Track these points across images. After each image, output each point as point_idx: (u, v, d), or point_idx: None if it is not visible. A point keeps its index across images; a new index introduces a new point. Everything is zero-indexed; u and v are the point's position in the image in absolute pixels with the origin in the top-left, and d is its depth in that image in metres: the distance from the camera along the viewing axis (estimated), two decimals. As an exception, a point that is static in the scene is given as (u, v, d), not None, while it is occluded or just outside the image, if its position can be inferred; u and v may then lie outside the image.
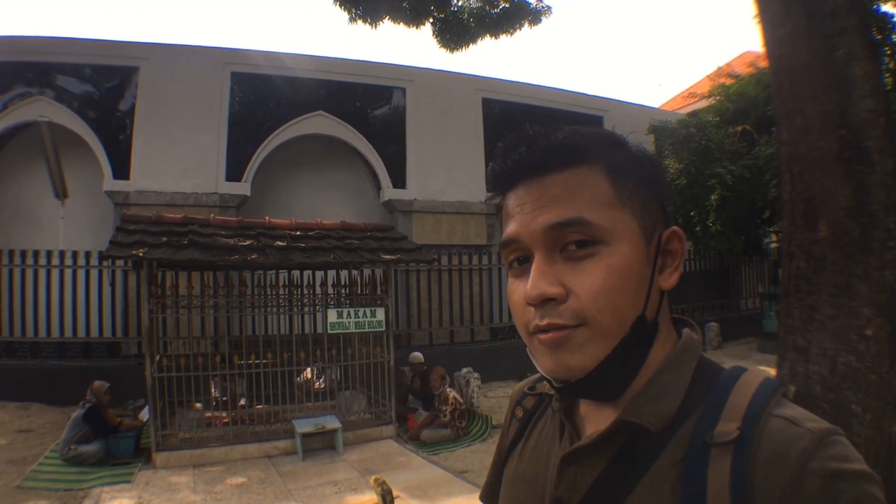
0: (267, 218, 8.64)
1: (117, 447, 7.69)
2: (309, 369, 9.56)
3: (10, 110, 11.99)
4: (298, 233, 8.60)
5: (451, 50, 13.66)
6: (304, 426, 7.92)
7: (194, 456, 7.53)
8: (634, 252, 0.83)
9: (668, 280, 0.87)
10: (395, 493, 6.01)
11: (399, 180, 13.75)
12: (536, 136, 0.87)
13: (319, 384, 9.69)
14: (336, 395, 9.12)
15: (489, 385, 11.17)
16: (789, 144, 5.80)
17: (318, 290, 9.00)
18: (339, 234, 8.77)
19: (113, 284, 10.96)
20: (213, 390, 8.97)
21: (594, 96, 16.79)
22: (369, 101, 13.90)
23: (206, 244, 7.64)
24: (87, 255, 10.76)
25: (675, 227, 0.89)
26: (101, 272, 10.89)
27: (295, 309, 8.91)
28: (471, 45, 13.75)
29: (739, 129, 13.53)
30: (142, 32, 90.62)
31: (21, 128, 12.25)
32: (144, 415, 8.29)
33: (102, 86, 12.39)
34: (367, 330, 8.62)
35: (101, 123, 12.24)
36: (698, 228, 13.73)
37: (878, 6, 10.09)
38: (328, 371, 9.55)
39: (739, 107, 13.84)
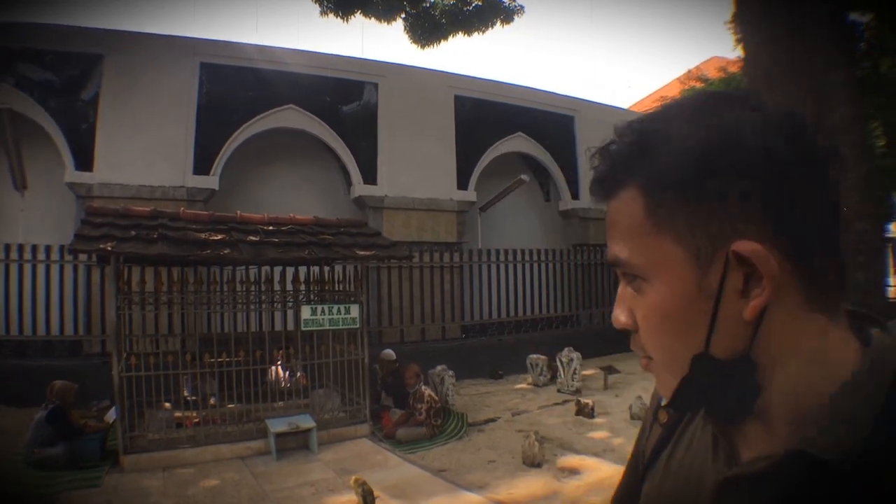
0: (238, 212, 8.41)
1: (83, 450, 7.38)
2: (276, 367, 9.36)
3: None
4: (271, 227, 8.38)
5: (423, 46, 13.58)
6: (277, 426, 7.72)
7: (164, 458, 7.27)
8: (676, 286, 0.71)
9: (750, 309, 0.68)
10: (375, 493, 5.91)
11: (370, 176, 13.56)
12: (603, 154, 0.81)
13: (286, 382, 9.50)
14: (309, 393, 8.94)
15: (461, 383, 11.04)
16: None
17: (291, 287, 8.78)
18: (312, 230, 8.58)
19: (75, 280, 10.57)
20: (183, 390, 8.71)
21: (566, 96, 16.84)
22: (341, 96, 13.66)
23: (177, 238, 7.38)
24: (48, 249, 10.34)
25: (752, 244, 0.67)
26: (62, 267, 10.49)
27: (267, 306, 8.67)
28: (442, 41, 13.67)
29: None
30: (106, 20, 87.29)
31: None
32: (111, 416, 7.99)
33: (65, 74, 11.88)
34: (341, 327, 8.44)
35: (62, 113, 11.74)
36: None
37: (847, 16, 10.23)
38: (295, 369, 9.36)
39: None
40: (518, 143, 15.66)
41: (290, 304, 8.77)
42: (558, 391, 11.11)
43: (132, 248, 6.98)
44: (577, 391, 10.86)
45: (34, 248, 10.27)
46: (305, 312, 8.15)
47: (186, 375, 8.52)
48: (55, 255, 10.39)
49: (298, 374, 9.56)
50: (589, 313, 15.17)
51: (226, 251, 7.34)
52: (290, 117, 13.06)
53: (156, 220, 7.78)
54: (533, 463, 7.10)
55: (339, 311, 8.37)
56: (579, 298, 14.98)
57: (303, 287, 8.65)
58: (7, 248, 10.19)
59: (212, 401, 8.79)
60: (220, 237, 7.63)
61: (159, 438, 7.46)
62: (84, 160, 11.65)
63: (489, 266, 13.68)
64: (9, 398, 9.37)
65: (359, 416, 8.66)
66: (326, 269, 9.20)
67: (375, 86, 13.92)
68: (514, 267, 13.98)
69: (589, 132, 16.75)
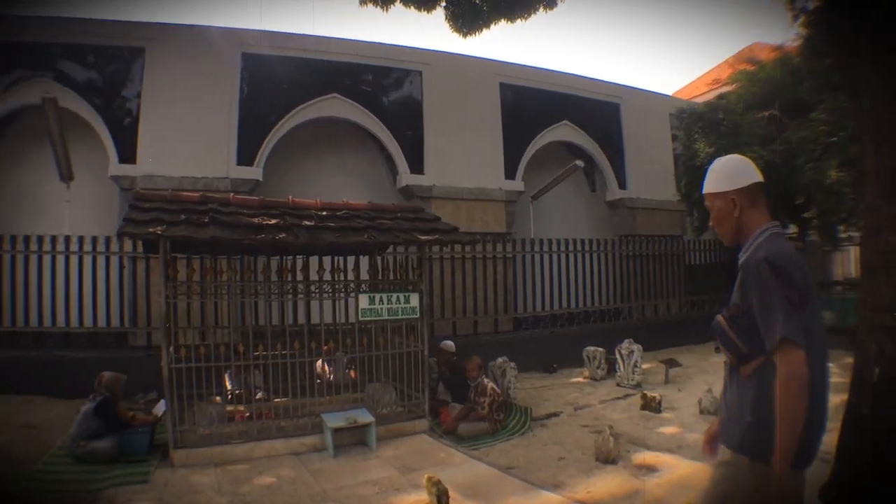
0: (290, 197, 7.81)
1: (130, 444, 6.85)
2: (322, 361, 8.76)
3: (13, 92, 11.10)
4: (325, 213, 7.78)
5: (464, 34, 12.91)
6: (334, 420, 7.12)
7: (215, 453, 6.71)
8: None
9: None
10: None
11: (416, 166, 12.94)
12: None
13: (331, 375, 8.89)
14: (363, 387, 8.32)
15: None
16: (875, 114, 5.08)
17: (341, 277, 8.17)
18: (368, 215, 7.96)
19: (121, 271, 10.10)
20: (227, 383, 8.18)
21: (610, 83, 16.04)
22: (385, 84, 13.06)
23: (230, 222, 6.81)
24: (94, 240, 9.90)
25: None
26: (108, 258, 10.03)
27: (322, 295, 8.06)
28: (484, 29, 13.01)
29: (767, 114, 12.77)
30: (148, 13, 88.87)
31: (24, 111, 11.38)
32: (159, 409, 7.46)
33: (107, 67, 11.49)
34: (400, 317, 7.82)
35: (106, 106, 11.37)
36: None
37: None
38: (343, 363, 8.75)
39: (766, 91, 13.06)
40: (564, 131, 14.93)
41: (341, 294, 8.13)
42: (617, 385, 10.40)
43: (182, 232, 6.41)
44: (638, 385, 10.15)
45: (80, 240, 9.84)
46: (363, 301, 7.54)
47: (230, 369, 8.02)
48: (101, 247, 9.95)
49: (348, 368, 8.97)
50: (641, 305, 14.35)
51: (281, 235, 6.75)
52: (334, 106, 12.49)
53: (205, 205, 7.22)
54: (607, 459, 6.53)
55: (398, 300, 7.74)
56: (630, 290, 14.16)
57: (354, 276, 8.01)
58: (53, 239, 9.77)
59: (259, 394, 8.26)
60: (274, 221, 7.05)
61: (210, 433, 6.89)
62: (127, 153, 11.26)
63: (541, 256, 12.96)
64: (54, 390, 8.97)
65: (417, 411, 8.02)
66: (382, 256, 8.63)
67: (420, 73, 13.30)
68: (567, 257, 13.24)
69: (635, 120, 15.99)
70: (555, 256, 13.03)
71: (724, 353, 2.56)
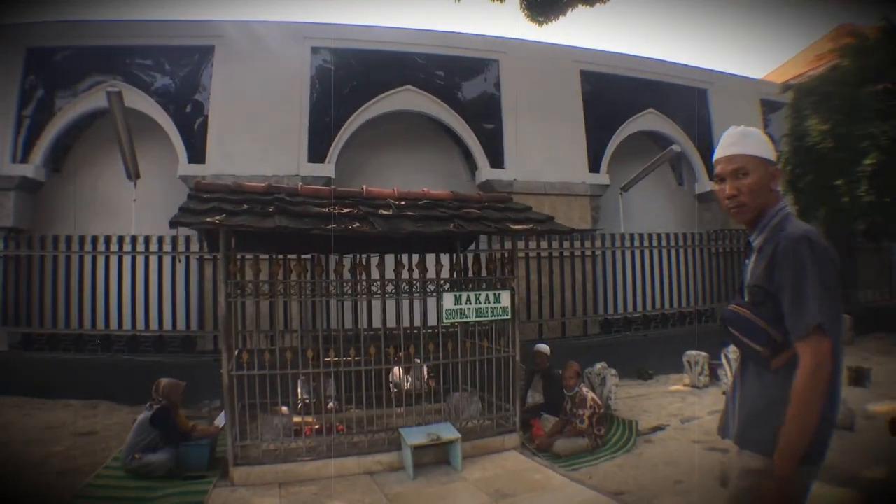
0: (364, 187, 6.69)
1: (188, 457, 5.92)
2: (397, 369, 7.65)
3: (86, 96, 10.51)
4: (403, 202, 6.65)
5: (541, 23, 11.61)
6: (414, 437, 5.96)
7: (280, 472, 5.67)
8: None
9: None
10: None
11: (496, 160, 11.69)
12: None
13: (408, 384, 7.76)
14: (444, 397, 7.15)
15: (608, 385, 9.02)
16: None
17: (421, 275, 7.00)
18: (452, 205, 6.77)
19: (187, 273, 9.27)
20: (299, 391, 7.16)
21: (697, 68, 14.36)
22: (460, 75, 11.88)
23: (298, 212, 5.76)
24: (160, 240, 9.09)
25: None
26: (174, 259, 9.21)
27: (400, 296, 6.90)
28: (561, 16, 11.70)
29: (881, 87, 10.94)
30: (217, 11, 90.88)
31: (97, 115, 10.80)
32: (220, 420, 6.47)
33: (177, 68, 10.79)
34: (489, 318, 6.60)
35: (175, 106, 10.67)
36: (846, 199, 11.18)
37: None
38: (417, 371, 7.62)
39: (880, 63, 11.16)
40: (649, 120, 13.35)
41: (422, 294, 6.94)
42: (724, 394, 8.83)
43: (244, 222, 5.39)
44: (749, 394, 8.58)
45: (147, 240, 9.06)
46: (448, 301, 6.34)
47: (303, 376, 6.98)
48: (167, 247, 9.12)
49: (430, 375, 7.84)
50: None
51: (355, 224, 5.65)
52: (408, 99, 11.41)
53: (271, 195, 6.19)
54: None
55: (487, 300, 6.52)
56: (726, 289, 12.43)
57: (437, 273, 6.81)
58: (120, 239, 9.03)
59: (330, 404, 7.20)
60: (347, 210, 5.96)
61: (275, 448, 5.83)
62: (197, 152, 10.54)
63: (632, 252, 11.46)
64: (119, 395, 8.24)
65: (506, 425, 6.78)
66: (464, 253, 7.44)
67: (496, 63, 12.07)
68: (659, 253, 11.70)
69: (724, 106, 14.22)
70: (646, 252, 11.51)
71: (746, 347, 2.20)
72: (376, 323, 8.10)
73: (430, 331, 7.12)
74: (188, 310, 9.34)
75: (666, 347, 10.59)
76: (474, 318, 6.51)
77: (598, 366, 8.11)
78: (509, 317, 6.69)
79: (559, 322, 10.66)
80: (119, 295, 9.04)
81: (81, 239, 8.97)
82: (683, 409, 8.18)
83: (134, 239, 8.97)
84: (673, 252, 11.66)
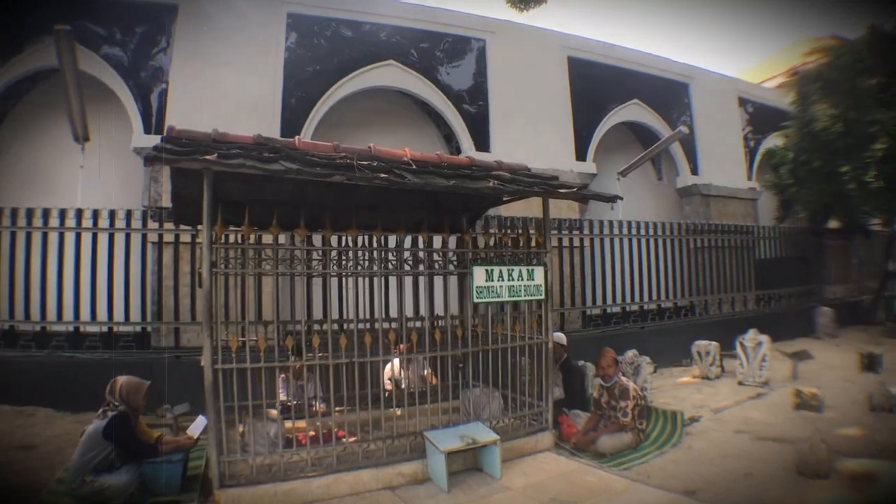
0: (372, 145, 5.22)
1: (156, 478, 4.33)
2: (394, 362, 6.21)
3: (28, 53, 8.63)
4: (415, 167, 5.26)
5: (521, 9, 10.51)
6: (445, 441, 4.57)
7: (281, 493, 4.16)
8: None
9: None
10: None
11: (481, 143, 10.39)
12: None
13: (409, 381, 6.33)
14: (459, 394, 5.77)
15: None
16: None
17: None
18: (475, 168, 5.41)
19: (143, 256, 7.50)
20: (279, 391, 5.66)
21: (681, 63, 13.54)
22: (446, 53, 10.56)
23: (307, 159, 4.29)
24: (112, 214, 7.28)
25: None
26: (128, 238, 7.42)
27: (417, 270, 5.47)
28: (542, 3, 10.65)
29: (875, 81, 10.39)
30: None
31: (40, 76, 8.99)
32: (195, 429, 4.85)
33: (134, 27, 8.98)
34: (522, 298, 5.28)
35: (131, 70, 8.87)
36: (852, 186, 10.51)
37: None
38: (417, 364, 6.24)
39: (870, 59, 10.66)
40: (634, 111, 12.39)
41: (439, 269, 5.54)
42: (739, 383, 7.92)
43: (246, 163, 3.88)
44: (766, 383, 7.73)
45: (95, 214, 7.21)
46: (479, 276, 4.97)
47: (284, 374, 5.62)
48: (120, 222, 7.31)
49: (426, 370, 6.41)
50: (718, 299, 11.65)
51: (382, 175, 4.22)
52: (391, 75, 9.98)
53: (265, 146, 4.67)
54: (818, 473, 4.53)
55: (520, 276, 5.20)
56: (717, 282, 11.47)
57: (468, 243, 5.41)
58: (62, 213, 7.11)
59: (319, 406, 5.77)
60: (366, 162, 4.52)
61: (271, 463, 4.31)
62: (154, 122, 8.75)
63: (621, 240, 10.17)
64: (60, 401, 6.45)
65: (538, 423, 5.47)
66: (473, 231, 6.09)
67: (484, 43, 10.80)
68: (656, 243, 10.57)
69: (705, 102, 13.47)
70: (643, 241, 10.34)
71: None
72: (384, 308, 6.66)
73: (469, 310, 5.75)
74: (143, 299, 7.54)
75: (663, 339, 9.57)
76: (507, 298, 5.18)
77: (630, 353, 6.94)
78: (543, 296, 5.40)
79: (557, 313, 9.40)
80: (59, 280, 7.14)
81: (14, 212, 7.04)
82: (705, 401, 7.16)
83: (79, 213, 7.09)
84: (668, 242, 10.61)
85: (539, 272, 5.31)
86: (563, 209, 10.44)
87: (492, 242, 5.62)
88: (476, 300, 4.98)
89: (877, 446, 5.12)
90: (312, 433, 4.86)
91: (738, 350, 7.94)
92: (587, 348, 7.89)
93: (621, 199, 5.56)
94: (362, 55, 9.78)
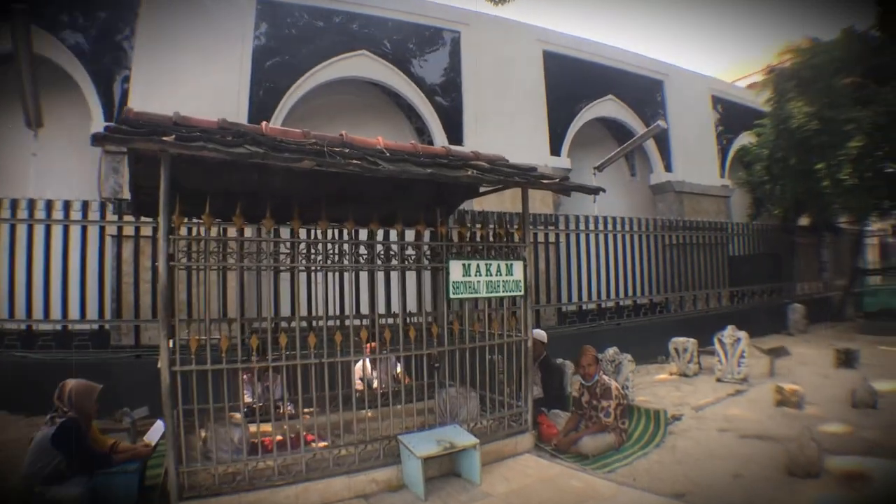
0: (344, 133, 4.89)
1: (110, 489, 3.91)
2: (365, 361, 5.92)
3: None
4: (389, 155, 4.94)
5: (496, 2, 10.28)
6: (421, 445, 4.29)
7: (245, 504, 3.82)
8: None
9: None
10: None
11: (454, 136, 10.08)
12: None
13: (380, 382, 6.03)
14: (435, 394, 5.48)
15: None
16: None
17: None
18: (452, 158, 5.13)
19: (101, 250, 7.04)
20: (244, 393, 5.32)
21: (656, 60, 13.43)
22: (419, 44, 10.22)
23: (275, 144, 3.96)
24: (67, 205, 6.80)
25: None
26: (84, 232, 6.95)
27: (388, 265, 5.15)
28: (518, -4, 10.41)
29: (849, 80, 10.37)
30: None
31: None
32: (153, 435, 4.48)
33: (96, 10, 8.43)
34: (501, 294, 5.02)
35: (92, 55, 8.32)
36: (827, 183, 10.46)
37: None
38: (388, 364, 5.92)
39: (845, 59, 10.68)
40: (609, 107, 12.23)
41: (412, 263, 5.24)
42: (718, 380, 7.79)
43: (206, 146, 3.54)
44: (745, 379, 7.61)
45: (48, 205, 6.73)
46: (455, 271, 4.71)
47: (248, 374, 5.24)
48: (76, 213, 6.84)
49: (398, 369, 6.11)
50: (706, 294, 11.66)
51: (354, 162, 3.91)
52: (362, 65, 9.61)
53: (230, 131, 4.31)
54: (809, 473, 4.36)
55: (498, 271, 4.94)
56: (688, 279, 11.34)
57: (440, 234, 5.12)
58: (13, 203, 6.62)
59: (287, 408, 5.41)
60: (338, 148, 4.20)
61: (235, 472, 3.97)
62: (115, 111, 8.22)
63: (605, 236, 10.00)
64: (12, 403, 5.99)
65: (517, 425, 5.22)
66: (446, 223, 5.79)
67: (458, 35, 10.51)
68: (631, 238, 10.38)
69: (679, 99, 13.41)
70: (611, 238, 10.08)
71: None
72: (355, 304, 6.32)
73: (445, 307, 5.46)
74: (101, 295, 7.09)
75: (637, 336, 9.43)
76: (485, 293, 4.92)
77: (611, 351, 6.74)
78: (522, 292, 5.15)
79: (532, 310, 9.14)
80: (10, 276, 6.67)
81: (-41, 204, 6.55)
82: (685, 398, 7.01)
83: (31, 203, 6.62)
84: (643, 238, 10.45)
85: (518, 267, 5.06)
86: (536, 204, 10.20)
87: (469, 236, 5.35)
88: (452, 296, 4.70)
89: (865, 443, 4.99)
90: (280, 438, 4.54)
91: (717, 346, 7.82)
92: (563, 345, 7.74)
93: (604, 190, 5.35)
94: (333, 45, 9.40)
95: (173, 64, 8.52)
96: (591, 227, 9.67)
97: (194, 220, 5.33)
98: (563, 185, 5.03)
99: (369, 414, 4.88)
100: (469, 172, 4.34)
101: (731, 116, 14.81)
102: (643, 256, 10.47)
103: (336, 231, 6.39)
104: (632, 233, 10.27)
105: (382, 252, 5.01)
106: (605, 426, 5.17)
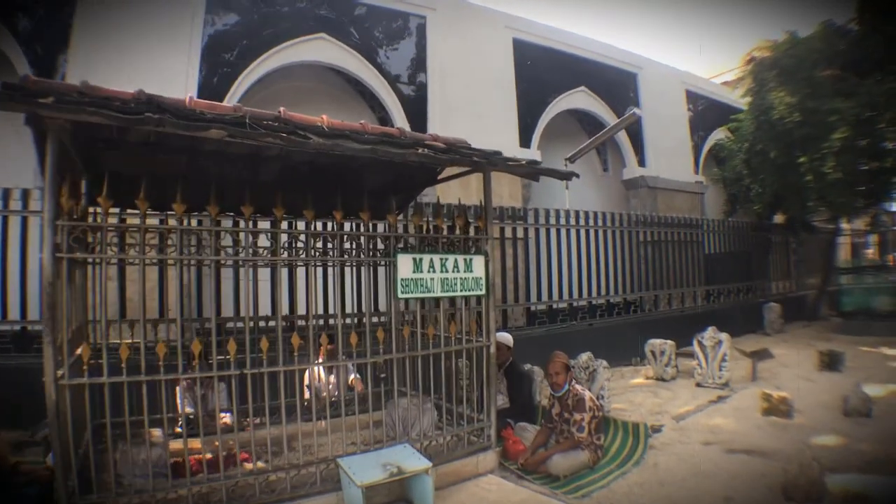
0: (282, 110, 4.16)
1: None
2: (315, 370, 5.25)
3: None
4: (326, 131, 4.24)
5: None
6: (364, 470, 3.62)
7: (152, 542, 3.14)
8: None
9: None
10: None
11: (419, 127, 9.31)
12: None
13: (330, 389, 5.38)
14: (383, 404, 4.82)
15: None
16: None
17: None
18: (403, 138, 4.45)
19: (23, 240, 6.21)
20: (178, 403, 4.73)
21: (630, 52, 12.87)
22: (383, 28, 9.47)
23: (189, 114, 3.25)
24: (6, 194, 5.98)
25: None
26: (4, 221, 6.14)
27: (335, 262, 4.46)
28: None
29: (829, 72, 9.94)
30: None
31: None
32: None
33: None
34: (458, 293, 4.36)
35: (28, 35, 7.44)
36: (810, 177, 10.00)
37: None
38: (343, 371, 5.28)
39: (824, 54, 10.29)
40: (581, 98, 11.65)
41: (362, 258, 4.59)
42: (697, 385, 7.23)
43: (99, 113, 2.83)
44: (727, 384, 7.04)
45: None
46: (404, 266, 4.04)
47: (184, 383, 4.59)
48: (16, 203, 5.99)
49: (352, 376, 5.45)
50: (681, 293, 11.12)
51: (281, 136, 3.23)
52: (321, 50, 8.85)
53: (146, 102, 3.58)
54: (809, 497, 3.76)
55: (455, 267, 4.28)
56: (661, 277, 10.75)
57: (390, 226, 4.45)
58: None
59: (225, 419, 4.71)
60: (267, 122, 3.51)
61: (149, 499, 3.27)
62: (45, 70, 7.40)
63: (577, 231, 9.31)
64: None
65: (480, 441, 4.58)
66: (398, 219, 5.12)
67: (424, 20, 9.81)
68: (602, 235, 9.73)
69: (653, 93, 12.92)
70: (584, 233, 9.42)
71: None
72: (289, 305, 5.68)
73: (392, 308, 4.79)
74: (24, 292, 6.25)
75: (610, 337, 8.87)
76: (440, 293, 4.25)
77: (584, 356, 6.06)
78: (484, 291, 4.50)
79: (499, 310, 8.49)
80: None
81: None
82: (664, 406, 6.42)
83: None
84: (617, 234, 9.84)
85: (479, 262, 4.41)
86: (504, 197, 9.63)
87: (424, 229, 4.69)
88: (401, 295, 4.04)
89: (862, 458, 4.44)
90: (210, 456, 3.85)
91: (696, 349, 7.26)
92: (532, 349, 7.13)
93: (577, 175, 4.70)
94: (291, 27, 8.63)
95: (116, 44, 7.69)
96: (563, 221, 9.02)
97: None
98: (532, 169, 4.40)
99: (320, 426, 4.21)
100: (419, 151, 3.68)
101: (706, 112, 14.37)
102: (616, 253, 9.87)
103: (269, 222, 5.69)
104: (604, 228, 9.66)
105: (320, 245, 4.35)
106: (579, 442, 4.52)
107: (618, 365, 8.66)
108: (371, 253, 4.51)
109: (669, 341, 7.70)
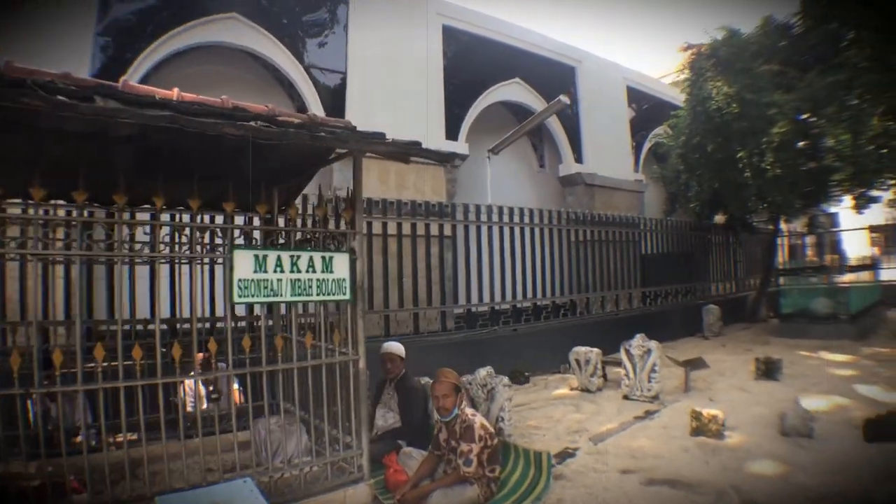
0: (124, 80, 3.27)
1: None
2: (188, 382, 4.48)
3: None
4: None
5: None
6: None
7: None
8: None
9: None
10: None
11: (336, 115, 8.50)
12: None
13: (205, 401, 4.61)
14: (249, 423, 4.00)
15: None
16: None
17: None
18: (262, 114, 3.62)
19: None
20: (29, 415, 3.82)
21: (570, 45, 12.24)
22: (300, 9, 8.59)
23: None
24: None
25: None
26: None
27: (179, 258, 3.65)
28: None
29: (767, 67, 9.50)
30: None
31: None
32: None
33: None
34: (315, 298, 3.57)
35: None
36: (748, 173, 9.47)
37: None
38: (223, 382, 4.51)
39: (762, 49, 9.88)
40: (515, 90, 10.98)
41: (208, 254, 3.77)
42: (625, 397, 6.56)
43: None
44: (656, 397, 6.37)
45: None
46: (242, 265, 3.24)
47: (34, 395, 3.63)
48: None
49: (234, 387, 4.63)
50: (615, 295, 10.51)
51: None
52: (231, 30, 7.92)
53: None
54: None
55: (310, 266, 3.49)
56: (595, 279, 10.14)
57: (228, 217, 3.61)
58: None
59: (78, 438, 3.99)
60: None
61: None
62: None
63: (500, 228, 8.58)
64: None
65: (349, 470, 3.79)
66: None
67: (346, 2, 8.94)
68: (531, 233, 9.04)
69: (591, 88, 12.35)
70: (507, 231, 8.70)
71: None
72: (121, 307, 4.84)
73: (229, 314, 3.95)
74: None
75: (536, 344, 8.22)
76: (290, 297, 3.45)
77: (483, 372, 5.24)
78: (348, 295, 3.70)
79: (410, 313, 7.70)
80: None
81: None
82: (585, 423, 5.70)
83: None
84: (548, 232, 9.17)
85: (341, 261, 3.62)
86: (426, 192, 8.85)
87: (282, 222, 3.90)
88: (238, 299, 3.23)
89: (805, 494, 3.74)
90: (36, 483, 3.02)
91: (624, 358, 6.59)
92: (449, 357, 6.38)
93: (460, 157, 3.98)
94: (200, 4, 7.72)
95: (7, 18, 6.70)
96: (486, 218, 8.30)
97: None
98: (410, 151, 3.65)
99: (177, 447, 3.39)
100: (290, 130, 2.88)
101: (649, 110, 13.94)
102: (547, 252, 9.21)
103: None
104: (535, 225, 8.99)
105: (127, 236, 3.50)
106: (467, 476, 3.77)
107: (544, 373, 8.01)
108: (208, 248, 3.67)
109: (595, 350, 7.01)
